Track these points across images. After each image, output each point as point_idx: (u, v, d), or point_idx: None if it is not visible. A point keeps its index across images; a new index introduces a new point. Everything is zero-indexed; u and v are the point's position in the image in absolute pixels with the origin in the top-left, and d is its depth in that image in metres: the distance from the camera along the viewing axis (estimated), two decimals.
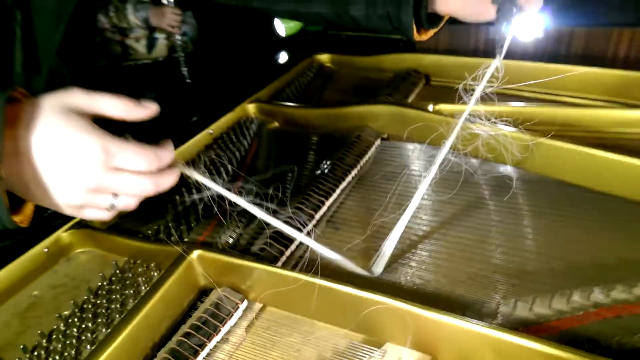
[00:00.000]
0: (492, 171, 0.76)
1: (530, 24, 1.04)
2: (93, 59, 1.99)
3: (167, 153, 0.42)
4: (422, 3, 0.64)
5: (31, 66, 0.63)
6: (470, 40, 1.12)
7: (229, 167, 0.82)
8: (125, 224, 0.71)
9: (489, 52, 1.10)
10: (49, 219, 0.65)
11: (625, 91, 0.89)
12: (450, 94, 1.03)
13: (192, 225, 0.69)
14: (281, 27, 1.22)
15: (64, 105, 0.40)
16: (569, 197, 0.69)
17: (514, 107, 0.85)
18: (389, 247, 0.59)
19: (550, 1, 1.12)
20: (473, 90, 0.62)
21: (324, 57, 1.20)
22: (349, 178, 0.77)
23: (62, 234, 0.66)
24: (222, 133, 0.92)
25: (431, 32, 0.70)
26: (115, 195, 0.41)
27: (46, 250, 0.64)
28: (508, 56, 1.02)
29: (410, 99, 0.99)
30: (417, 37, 0.68)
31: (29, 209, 0.43)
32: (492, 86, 0.61)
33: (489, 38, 1.09)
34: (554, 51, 1.04)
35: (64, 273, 0.64)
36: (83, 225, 0.67)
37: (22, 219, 0.42)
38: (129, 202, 0.43)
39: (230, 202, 0.49)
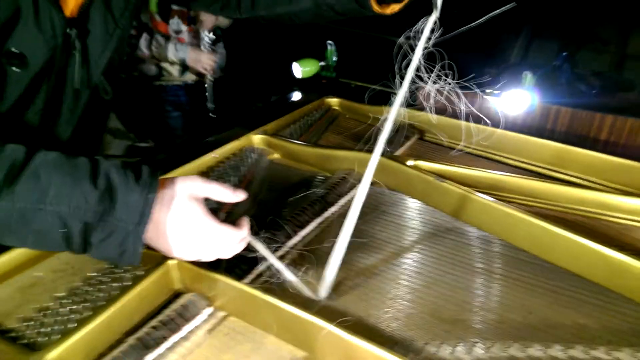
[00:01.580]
0: (452, 227, 0.85)
1: (518, 100, 1.15)
2: (128, 78, 2.18)
3: (243, 232, 0.60)
4: None
5: (84, 83, 0.78)
6: (467, 104, 1.21)
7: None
8: None
9: (486, 117, 1.19)
10: None
11: (602, 173, 0.96)
12: (439, 151, 1.13)
13: None
14: (298, 70, 1.34)
15: (190, 192, 0.57)
16: (517, 259, 0.77)
17: (483, 173, 0.94)
18: (329, 273, 0.67)
19: (539, 81, 1.22)
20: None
21: (333, 101, 1.31)
22: (326, 214, 0.86)
23: None
24: (226, 157, 1.03)
25: (395, 6, 0.80)
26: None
27: None
28: (497, 125, 1.12)
29: (399, 151, 1.09)
30: (378, 9, 0.79)
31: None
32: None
33: (484, 105, 1.18)
34: (541, 126, 1.13)
35: (65, 261, 0.74)
36: None
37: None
38: (212, 258, 0.60)
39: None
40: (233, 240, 0.59)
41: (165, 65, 2.19)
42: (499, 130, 1.07)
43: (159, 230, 0.56)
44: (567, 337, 0.63)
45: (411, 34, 0.64)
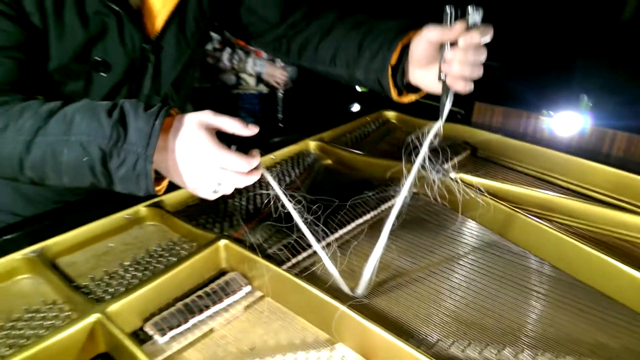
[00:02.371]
0: (482, 236, 0.87)
1: (572, 122, 1.14)
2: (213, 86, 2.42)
3: (255, 161, 0.63)
4: (398, 74, 0.80)
5: (154, 91, 0.90)
6: (520, 124, 1.22)
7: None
8: (188, 210, 0.92)
9: (537, 139, 1.19)
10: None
11: None
12: (488, 167, 1.14)
13: (234, 223, 0.88)
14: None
15: (199, 122, 0.62)
16: (549, 276, 0.78)
17: (528, 191, 0.95)
18: (366, 272, 0.72)
19: (595, 103, 1.19)
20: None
21: (390, 114, 1.36)
22: (367, 216, 0.92)
23: (141, 208, 0.89)
24: (283, 159, 1.12)
25: (412, 96, 0.85)
26: (219, 184, 0.63)
27: (127, 217, 0.87)
28: (551, 146, 1.11)
29: (447, 165, 1.12)
30: (397, 98, 0.84)
31: (164, 183, 0.68)
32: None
33: (539, 126, 1.18)
34: (596, 150, 1.10)
35: (134, 235, 0.86)
36: (156, 205, 0.89)
37: (160, 188, 0.67)
38: (226, 190, 0.64)
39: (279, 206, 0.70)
40: (242, 167, 0.61)
41: (244, 75, 2.38)
42: (550, 151, 1.07)
43: (169, 158, 0.62)
44: (583, 351, 0.63)
45: (419, 134, 0.73)
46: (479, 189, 0.93)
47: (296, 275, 0.70)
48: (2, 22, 0.68)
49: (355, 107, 1.45)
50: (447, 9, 0.65)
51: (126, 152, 0.60)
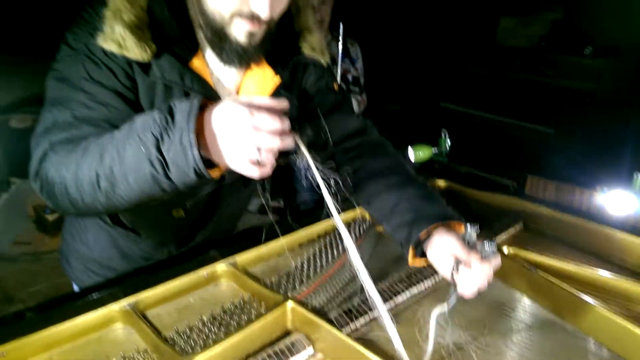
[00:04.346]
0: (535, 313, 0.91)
1: (625, 201, 1.16)
2: None
3: (287, 120, 0.66)
4: (419, 244, 0.89)
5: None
6: (574, 199, 1.25)
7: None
8: (256, 272, 1.02)
9: (592, 214, 1.22)
10: (212, 257, 1.00)
11: None
12: (543, 243, 1.17)
13: (300, 283, 0.97)
14: (412, 154, 1.51)
15: (233, 99, 0.67)
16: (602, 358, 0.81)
17: (585, 270, 0.98)
18: (430, 345, 0.78)
19: None
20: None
21: (442, 183, 1.44)
22: (423, 286, 0.98)
23: (218, 267, 1.00)
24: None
25: (423, 261, 0.91)
26: (259, 150, 0.65)
27: (205, 275, 0.98)
28: (605, 223, 1.14)
29: (500, 237, 1.16)
30: (411, 262, 0.91)
31: (218, 170, 0.72)
32: None
33: (592, 200, 1.21)
34: None
35: (211, 292, 0.96)
36: (231, 264, 1.00)
37: (214, 175, 0.70)
38: (267, 156, 0.66)
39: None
40: (273, 123, 0.64)
41: None
42: (605, 228, 1.10)
43: (209, 130, 0.66)
44: None
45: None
46: (532, 265, 0.98)
47: (356, 340, 0.77)
48: (117, 100, 0.82)
49: None
50: (469, 227, 0.80)
51: (174, 132, 0.66)
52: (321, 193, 0.76)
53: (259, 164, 0.67)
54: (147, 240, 1.07)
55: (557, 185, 1.25)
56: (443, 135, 1.55)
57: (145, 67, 0.83)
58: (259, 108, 0.66)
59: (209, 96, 0.87)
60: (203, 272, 0.97)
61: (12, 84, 5.55)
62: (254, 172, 0.68)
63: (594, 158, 1.85)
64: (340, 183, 0.77)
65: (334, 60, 2.07)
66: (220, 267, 1.00)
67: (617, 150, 2.05)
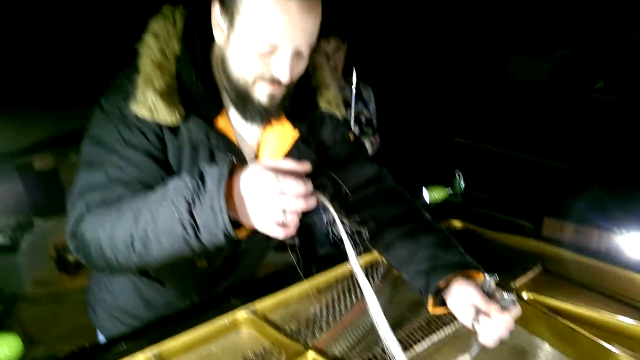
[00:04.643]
0: None
1: None
2: None
3: (310, 183, 0.70)
4: (438, 292, 0.90)
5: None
6: (592, 240, 1.25)
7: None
8: (276, 319, 1.04)
9: (610, 256, 1.21)
10: (233, 304, 1.02)
11: None
12: (563, 286, 1.16)
13: (321, 329, 0.98)
14: (427, 195, 1.53)
15: (260, 164, 0.70)
16: None
17: (609, 317, 0.97)
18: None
19: None
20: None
21: (458, 223, 1.45)
22: (443, 332, 0.98)
23: (238, 315, 1.02)
24: None
25: (442, 309, 0.93)
26: (284, 213, 0.68)
27: (226, 323, 1.00)
28: (625, 266, 1.14)
29: (519, 281, 1.16)
30: (432, 310, 0.93)
31: (245, 230, 0.75)
32: None
33: (610, 242, 1.21)
34: None
35: (232, 341, 0.98)
36: (252, 311, 1.02)
37: (241, 235, 0.74)
38: (292, 218, 0.69)
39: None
40: (298, 187, 0.67)
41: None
42: (626, 272, 1.10)
43: (237, 195, 0.70)
44: None
45: None
46: (553, 310, 0.97)
47: None
48: (148, 161, 0.87)
49: None
50: (487, 277, 0.82)
51: (205, 197, 0.69)
52: (344, 247, 0.78)
53: (284, 225, 0.70)
54: (170, 289, 1.10)
55: (574, 226, 1.25)
56: (457, 176, 1.57)
57: (173, 129, 0.88)
58: (284, 172, 0.69)
59: (233, 152, 0.92)
60: (224, 320, 0.99)
61: (33, 127, 5.78)
62: (279, 233, 0.70)
63: (611, 195, 1.85)
64: (364, 234, 0.80)
65: (347, 104, 2.13)
66: (241, 314, 1.02)
67: (635, 187, 2.04)
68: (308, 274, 1.14)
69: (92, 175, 0.84)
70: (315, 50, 0.90)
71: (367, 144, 2.25)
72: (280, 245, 1.04)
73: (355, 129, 2.27)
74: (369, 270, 1.22)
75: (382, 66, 4.18)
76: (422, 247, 0.95)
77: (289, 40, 0.79)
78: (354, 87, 2.08)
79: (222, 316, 1.00)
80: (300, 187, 0.68)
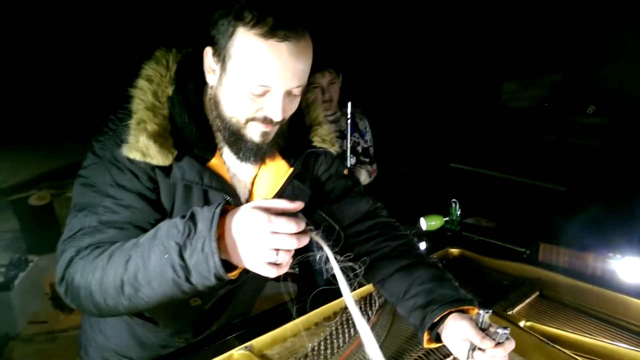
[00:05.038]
0: None
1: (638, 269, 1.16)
2: None
3: (302, 222, 0.70)
4: (433, 327, 0.91)
5: None
6: (587, 266, 1.25)
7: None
8: (273, 355, 1.02)
9: (606, 281, 1.21)
10: (229, 342, 1.00)
11: None
12: (560, 312, 1.16)
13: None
14: (424, 224, 1.53)
15: (252, 204, 0.70)
16: None
17: (607, 344, 0.96)
18: None
19: None
20: None
21: (455, 251, 1.44)
22: None
23: (235, 353, 1.00)
24: (355, 300, 1.21)
25: (437, 344, 0.93)
26: (276, 252, 0.68)
27: None
28: (622, 291, 1.14)
29: (516, 309, 1.15)
30: (426, 344, 0.92)
31: (236, 271, 0.75)
32: None
33: (606, 267, 1.21)
34: None
35: None
36: (248, 349, 1.00)
37: (232, 275, 0.73)
38: (284, 257, 0.69)
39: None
40: (291, 227, 0.68)
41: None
42: (623, 297, 1.09)
43: (229, 236, 0.69)
44: None
45: None
46: (550, 338, 0.96)
47: None
48: (140, 202, 0.87)
49: (422, 245, 1.54)
50: (482, 312, 0.82)
51: (196, 239, 0.69)
52: (337, 284, 0.78)
53: (275, 264, 0.70)
54: (164, 329, 1.08)
55: (570, 252, 1.25)
56: (453, 205, 1.57)
57: (166, 169, 0.87)
58: (276, 212, 0.69)
59: (227, 192, 0.92)
60: (220, 358, 0.97)
61: (28, 163, 5.80)
62: (271, 273, 0.71)
63: (607, 218, 1.85)
64: (358, 270, 0.80)
65: (343, 135, 2.15)
66: (238, 353, 1.00)
67: (630, 212, 2.05)
68: (304, 309, 1.13)
69: (83, 219, 0.84)
70: (307, 88, 0.91)
71: (365, 174, 2.26)
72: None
73: (352, 159, 2.28)
74: (365, 302, 1.21)
75: (378, 96, 4.25)
76: (417, 282, 0.95)
77: (280, 83, 0.80)
78: (349, 119, 2.10)
79: (219, 356, 0.98)
80: (293, 226, 0.69)
